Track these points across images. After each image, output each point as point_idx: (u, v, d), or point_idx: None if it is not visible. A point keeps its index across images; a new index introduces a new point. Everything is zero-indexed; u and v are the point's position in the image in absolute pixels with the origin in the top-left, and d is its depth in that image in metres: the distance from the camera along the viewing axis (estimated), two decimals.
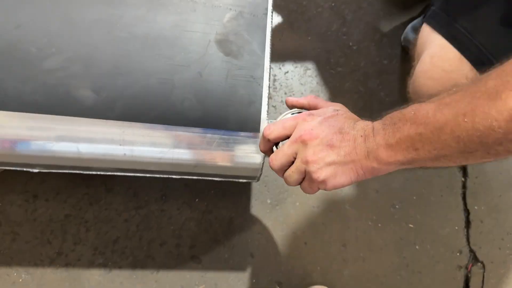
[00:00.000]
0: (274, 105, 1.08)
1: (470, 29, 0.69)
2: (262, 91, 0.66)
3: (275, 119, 1.05)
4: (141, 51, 0.65)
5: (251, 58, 0.66)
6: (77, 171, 0.69)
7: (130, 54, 0.65)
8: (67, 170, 0.70)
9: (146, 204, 1.00)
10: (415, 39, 0.80)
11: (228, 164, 0.67)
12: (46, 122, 0.62)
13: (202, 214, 1.01)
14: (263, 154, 0.67)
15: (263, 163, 0.67)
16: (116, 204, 0.99)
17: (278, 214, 1.03)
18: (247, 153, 0.66)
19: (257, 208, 1.03)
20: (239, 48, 0.66)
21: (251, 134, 0.65)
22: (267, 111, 0.67)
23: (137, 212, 0.99)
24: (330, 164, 0.50)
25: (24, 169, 0.69)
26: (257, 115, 0.65)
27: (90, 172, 0.70)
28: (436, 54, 0.72)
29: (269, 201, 1.04)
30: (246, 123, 0.65)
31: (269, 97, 0.66)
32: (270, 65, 0.68)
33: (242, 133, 0.65)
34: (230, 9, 0.68)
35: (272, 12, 0.69)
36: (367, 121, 0.53)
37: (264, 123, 0.66)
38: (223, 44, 0.66)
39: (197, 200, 1.01)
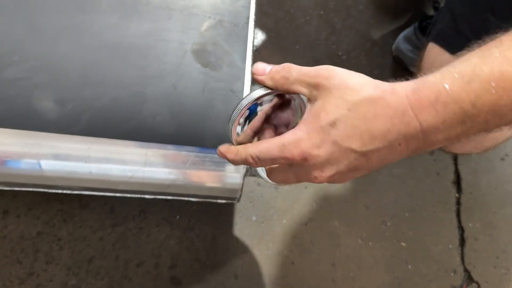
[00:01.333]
0: None
1: None
2: None
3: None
4: (111, 60, 0.60)
5: (231, 70, 0.62)
6: (40, 189, 0.64)
7: (99, 63, 0.59)
8: (29, 188, 0.64)
9: (123, 221, 0.94)
10: (419, 59, 0.75)
11: (204, 184, 0.62)
12: (5, 137, 0.57)
13: (183, 231, 0.96)
14: (243, 172, 0.62)
15: (243, 184, 0.62)
16: (91, 221, 0.94)
17: (264, 231, 0.98)
18: (225, 173, 0.61)
19: (241, 225, 0.98)
20: (217, 59, 0.62)
21: None
22: None
23: (113, 229, 0.94)
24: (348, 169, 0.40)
25: None
26: None
27: (55, 191, 0.64)
28: None
29: (254, 218, 0.99)
30: (224, 140, 0.60)
31: None
32: (251, 78, 0.63)
33: None
34: (209, 17, 0.63)
35: (254, 21, 0.64)
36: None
37: None
38: (201, 54, 0.61)
39: (178, 216, 0.96)
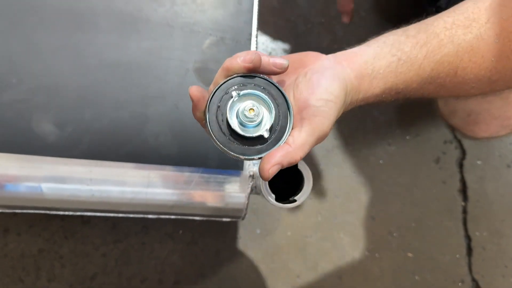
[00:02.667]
0: None
1: None
2: None
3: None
4: (111, 80, 0.59)
5: None
6: (42, 211, 0.63)
7: (98, 83, 0.58)
8: (31, 211, 0.63)
9: (126, 237, 0.93)
10: None
11: (208, 204, 0.61)
12: (4, 161, 0.56)
13: (186, 246, 0.94)
14: (248, 192, 0.60)
15: (247, 203, 0.61)
16: (93, 237, 0.92)
17: (269, 245, 0.97)
18: (230, 193, 0.60)
19: (245, 238, 0.96)
20: None
21: (233, 172, 0.59)
22: None
23: (115, 245, 0.92)
24: None
25: None
26: None
27: (57, 212, 0.63)
28: None
29: (258, 231, 0.97)
30: (228, 160, 0.58)
31: None
32: None
33: (223, 171, 0.59)
34: (210, 34, 0.61)
35: (257, 37, 0.63)
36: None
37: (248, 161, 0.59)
38: (202, 72, 0.60)
39: (181, 231, 0.95)
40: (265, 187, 0.54)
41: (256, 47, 0.63)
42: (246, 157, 0.40)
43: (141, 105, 0.58)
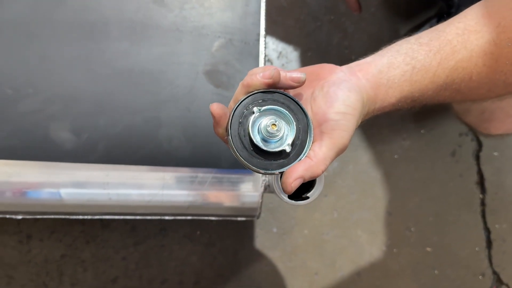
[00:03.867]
0: None
1: None
2: None
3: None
4: (124, 87, 0.60)
5: None
6: (62, 216, 0.65)
7: (112, 91, 0.60)
8: (51, 216, 0.65)
9: (145, 240, 0.95)
10: None
11: (223, 204, 0.62)
12: (24, 169, 0.57)
13: (205, 247, 0.96)
14: (261, 191, 0.61)
15: (261, 202, 0.62)
16: (113, 241, 0.94)
17: (286, 243, 0.97)
18: (243, 192, 0.61)
19: (263, 238, 0.97)
20: (229, 78, 0.61)
21: (245, 171, 0.60)
22: None
23: (135, 248, 0.94)
24: None
25: (7, 216, 0.65)
26: None
27: (76, 217, 0.65)
28: None
29: (275, 230, 0.98)
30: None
31: None
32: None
33: (236, 171, 0.60)
34: (219, 36, 0.62)
35: (265, 37, 0.64)
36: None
37: None
38: (213, 75, 0.61)
39: (198, 232, 0.96)
40: (277, 185, 0.54)
41: (265, 47, 0.64)
42: (268, 171, 0.41)
43: (154, 109, 0.59)
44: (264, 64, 0.63)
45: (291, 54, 1.06)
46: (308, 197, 0.54)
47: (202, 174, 0.59)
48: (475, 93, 0.47)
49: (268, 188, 0.63)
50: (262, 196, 0.62)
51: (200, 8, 0.63)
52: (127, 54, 0.61)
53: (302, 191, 0.56)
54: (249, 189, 0.60)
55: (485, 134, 0.97)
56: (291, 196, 0.55)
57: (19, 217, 0.65)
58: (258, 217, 0.66)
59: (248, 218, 0.67)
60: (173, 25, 0.62)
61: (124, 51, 0.61)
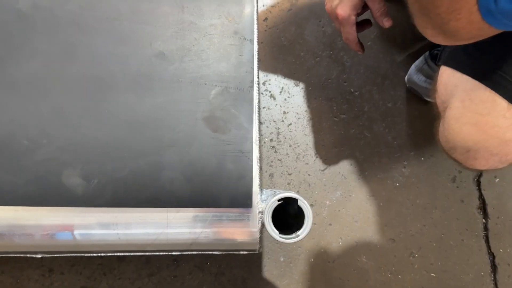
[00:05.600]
0: (279, 158, 1.07)
1: (499, 64, 0.64)
2: (251, 165, 0.66)
3: (271, 187, 1.04)
4: (129, 135, 0.66)
5: (239, 132, 0.67)
6: (77, 254, 0.70)
7: (118, 139, 0.66)
8: (67, 254, 0.70)
9: (158, 271, 1.00)
10: (433, 85, 0.77)
11: (224, 240, 0.66)
12: (40, 214, 0.63)
13: (214, 276, 1.00)
14: (259, 227, 0.65)
15: (260, 237, 0.66)
16: (129, 272, 1.00)
17: (293, 272, 1.01)
18: (242, 229, 0.65)
19: (270, 266, 1.01)
20: (226, 123, 0.67)
21: (243, 209, 0.64)
22: (259, 184, 0.66)
23: (150, 279, 0.99)
24: None
25: (28, 255, 0.71)
26: (248, 190, 0.65)
27: (90, 254, 0.70)
28: (467, 98, 0.66)
29: (282, 259, 1.02)
30: (237, 199, 0.64)
31: (260, 170, 0.66)
32: (259, 137, 0.68)
33: (235, 209, 0.65)
34: (216, 85, 0.68)
35: (258, 84, 0.69)
36: None
37: (256, 197, 0.65)
38: (210, 120, 0.67)
39: (208, 263, 1.00)
40: (269, 226, 0.59)
41: (259, 93, 0.69)
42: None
43: (157, 154, 0.65)
44: (259, 108, 0.69)
45: (293, 89, 1.11)
46: (298, 235, 0.59)
47: (202, 213, 0.64)
48: None
49: (264, 226, 0.68)
50: (261, 231, 0.66)
51: (198, 60, 0.69)
52: (132, 104, 0.67)
53: (292, 230, 0.60)
54: (247, 225, 0.65)
55: (471, 170, 1.00)
56: (282, 235, 0.60)
57: (39, 256, 0.71)
58: (259, 251, 0.70)
59: (249, 252, 0.71)
60: (174, 77, 0.68)
61: (129, 101, 0.67)
